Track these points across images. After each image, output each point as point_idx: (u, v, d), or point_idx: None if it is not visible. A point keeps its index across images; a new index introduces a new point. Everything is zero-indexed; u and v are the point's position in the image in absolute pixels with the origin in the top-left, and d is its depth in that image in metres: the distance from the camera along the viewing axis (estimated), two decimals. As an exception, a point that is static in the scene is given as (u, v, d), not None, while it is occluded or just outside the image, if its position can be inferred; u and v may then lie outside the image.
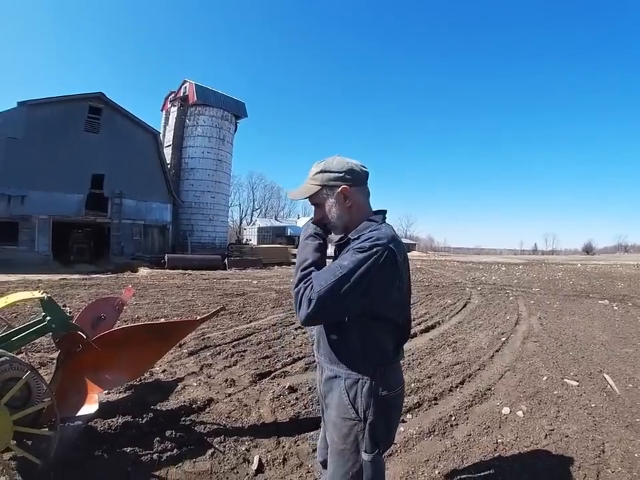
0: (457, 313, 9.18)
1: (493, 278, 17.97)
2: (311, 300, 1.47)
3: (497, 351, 6.01)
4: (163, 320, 7.43)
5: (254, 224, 61.51)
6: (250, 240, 44.55)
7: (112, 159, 21.51)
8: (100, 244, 22.13)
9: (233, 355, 5.57)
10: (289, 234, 51.04)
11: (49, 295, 3.28)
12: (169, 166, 26.21)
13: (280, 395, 4.19)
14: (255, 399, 4.20)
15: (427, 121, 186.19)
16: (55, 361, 3.59)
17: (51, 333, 3.43)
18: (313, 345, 1.99)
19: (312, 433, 3.41)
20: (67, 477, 2.77)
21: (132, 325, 5.04)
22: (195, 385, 4.54)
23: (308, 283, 1.53)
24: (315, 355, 1.90)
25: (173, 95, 30.01)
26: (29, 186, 18.84)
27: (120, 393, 4.19)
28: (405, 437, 3.44)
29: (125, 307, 4.97)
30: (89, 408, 3.26)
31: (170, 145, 28.02)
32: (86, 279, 14.02)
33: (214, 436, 3.40)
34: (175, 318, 7.74)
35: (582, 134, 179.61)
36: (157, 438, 3.26)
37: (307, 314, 1.49)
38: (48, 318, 3.22)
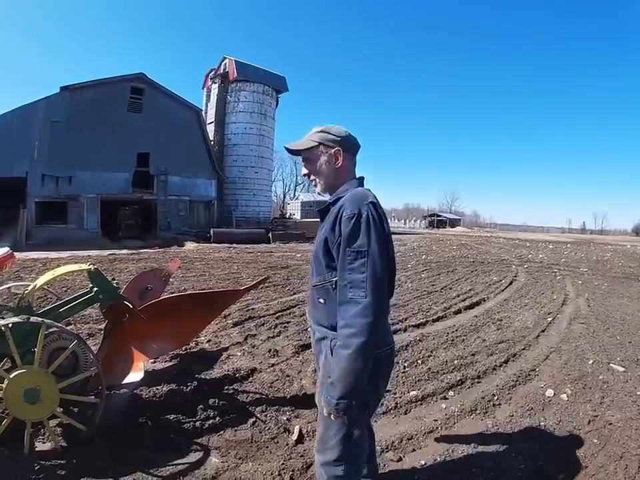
0: (503, 291, 8.92)
1: (540, 256, 17.21)
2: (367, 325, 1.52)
3: (543, 331, 5.82)
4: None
5: (297, 198, 61.69)
6: (293, 214, 44.75)
7: (156, 137, 21.91)
8: (147, 220, 22.76)
9: (277, 326, 5.62)
10: None
11: (95, 267, 3.35)
12: (212, 142, 26.42)
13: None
14: (297, 369, 4.21)
15: (470, 96, 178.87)
16: (102, 332, 3.68)
17: (98, 304, 3.53)
18: None
19: None
20: (110, 443, 2.84)
21: (178, 294, 5.14)
22: (239, 354, 4.60)
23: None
24: (307, 318, 2.02)
25: (213, 72, 29.97)
26: (75, 167, 19.40)
27: (165, 361, 4.29)
28: (446, 414, 3.37)
29: (171, 279, 5.07)
30: (135, 376, 3.34)
31: (212, 122, 28.15)
32: (134, 253, 14.46)
33: (256, 405, 3.42)
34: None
35: (637, 110, 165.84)
36: (200, 406, 3.31)
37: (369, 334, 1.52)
38: (95, 289, 3.30)
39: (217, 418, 3.18)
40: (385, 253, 1.61)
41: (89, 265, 3.36)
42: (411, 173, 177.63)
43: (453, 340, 5.24)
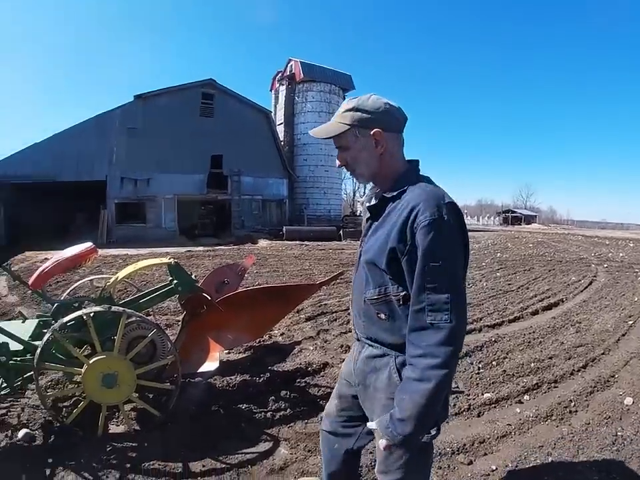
0: (582, 291, 8.32)
1: (620, 255, 15.71)
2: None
3: (624, 335, 5.40)
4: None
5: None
6: (364, 211, 44.40)
7: (228, 139, 22.63)
8: (222, 219, 23.67)
9: (349, 322, 5.51)
10: None
11: (175, 260, 3.47)
12: (282, 143, 26.94)
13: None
14: None
15: (547, 88, 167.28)
16: (180, 323, 3.90)
17: (177, 296, 3.65)
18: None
19: None
20: (183, 429, 2.94)
21: (254, 287, 5.34)
22: (312, 348, 4.63)
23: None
24: (355, 331, 1.68)
25: (280, 74, 30.49)
26: (152, 169, 20.26)
27: (240, 353, 4.41)
28: (520, 419, 3.23)
29: (246, 275, 5.28)
30: (210, 365, 3.46)
31: (282, 123, 28.68)
32: (210, 250, 15.03)
33: (326, 399, 3.35)
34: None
35: None
36: (272, 397, 3.35)
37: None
38: (175, 282, 3.42)
39: (288, 410, 3.21)
40: (466, 265, 1.41)
41: (168, 259, 3.50)
42: (484, 168, 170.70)
43: (529, 342, 4.99)
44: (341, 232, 22.26)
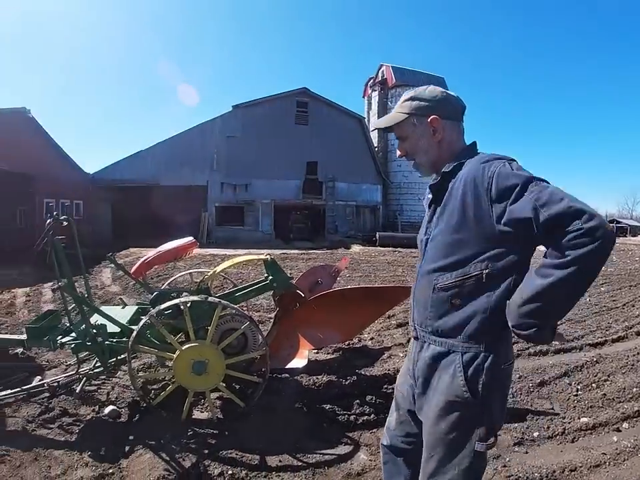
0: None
1: None
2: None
3: None
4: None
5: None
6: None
7: (323, 146, 23.07)
8: (316, 223, 24.09)
9: None
10: None
11: (272, 257, 3.55)
12: (376, 149, 26.87)
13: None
14: None
15: None
16: (272, 319, 3.94)
17: (271, 292, 3.75)
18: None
19: (516, 424, 3.05)
20: (265, 423, 2.94)
21: (349, 287, 5.27)
22: (401, 355, 4.46)
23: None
24: (414, 326, 1.53)
25: (371, 80, 30.30)
26: (251, 175, 21.60)
27: (328, 353, 4.38)
28: (616, 449, 2.83)
29: (338, 278, 5.25)
30: (298, 362, 3.43)
31: (375, 129, 28.54)
32: (304, 253, 15.33)
33: None
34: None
35: None
36: (357, 401, 3.26)
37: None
38: (270, 277, 3.50)
39: (372, 415, 3.10)
40: None
41: (265, 255, 3.60)
42: (586, 174, 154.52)
43: (633, 364, 4.36)
44: (435, 239, 21.43)
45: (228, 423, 2.97)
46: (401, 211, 27.35)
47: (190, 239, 3.98)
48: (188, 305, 2.91)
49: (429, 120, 1.44)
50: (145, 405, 3.05)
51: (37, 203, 15.46)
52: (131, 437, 2.81)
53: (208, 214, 21.07)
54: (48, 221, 2.97)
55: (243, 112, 21.92)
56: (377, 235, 21.07)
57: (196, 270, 5.13)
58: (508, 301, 1.28)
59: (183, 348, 2.84)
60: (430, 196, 1.52)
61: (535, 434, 2.95)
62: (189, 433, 2.84)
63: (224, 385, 3.03)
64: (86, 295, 3.38)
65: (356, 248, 18.87)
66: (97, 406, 3.19)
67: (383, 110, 28.39)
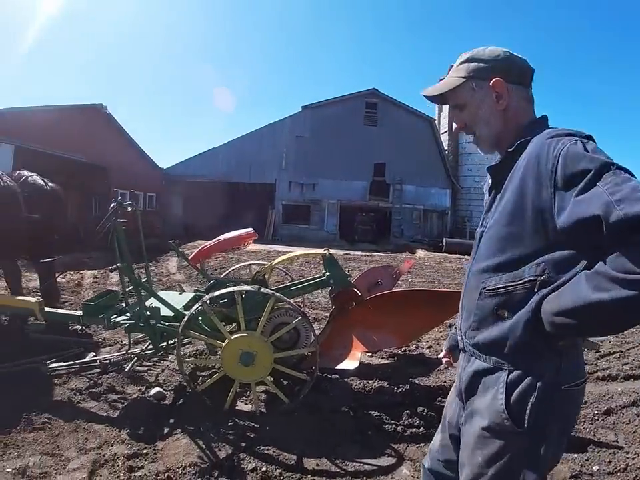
0: None
1: None
2: None
3: None
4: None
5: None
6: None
7: (391, 148, 22.71)
8: (381, 226, 23.63)
9: None
10: None
11: (330, 252, 3.48)
12: (446, 152, 25.95)
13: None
14: None
15: None
16: (328, 318, 3.84)
17: (328, 290, 3.67)
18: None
19: (575, 455, 2.71)
20: (307, 423, 2.85)
21: (411, 288, 5.05)
22: None
23: None
24: (460, 335, 1.29)
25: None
26: (318, 175, 21.95)
27: (382, 357, 4.21)
28: None
29: (399, 282, 5.07)
30: (350, 364, 3.30)
31: (445, 132, 27.49)
32: (367, 255, 15.17)
33: None
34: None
35: None
36: (407, 411, 3.07)
37: None
38: (327, 274, 3.44)
39: (421, 428, 2.89)
40: None
41: (324, 250, 3.53)
42: None
43: None
44: (506, 248, 20.37)
45: (270, 418, 2.92)
46: (470, 217, 26.23)
47: (250, 229, 3.98)
48: (241, 294, 2.90)
49: (490, 83, 1.19)
50: (190, 390, 3.07)
51: (111, 194, 16.56)
52: (171, 420, 2.85)
53: (275, 211, 21.59)
54: (112, 204, 3.07)
55: (312, 112, 22.25)
56: (444, 241, 20.39)
57: (256, 262, 5.15)
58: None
59: (232, 337, 2.82)
60: (490, 180, 1.28)
61: (595, 468, 2.62)
62: (229, 424, 2.82)
63: (271, 378, 2.99)
64: (145, 279, 3.47)
65: (421, 253, 18.42)
66: (144, 386, 3.28)
67: (454, 112, 27.53)
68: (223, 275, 4.76)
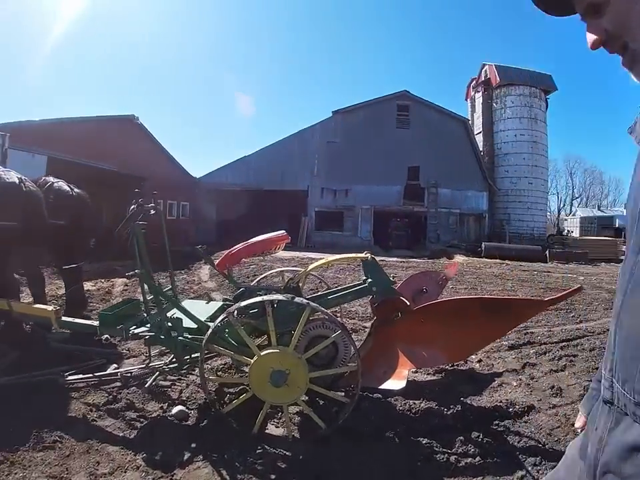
0: None
1: None
2: None
3: None
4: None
5: (574, 214, 53.93)
6: (572, 231, 39.30)
7: (425, 150, 22.33)
8: (417, 231, 23.21)
9: (561, 357, 4.60)
10: (617, 225, 43.29)
11: (372, 256, 3.16)
12: (481, 153, 25.30)
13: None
14: None
15: None
16: (368, 329, 3.50)
17: (369, 298, 3.33)
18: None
19: None
20: (345, 449, 2.53)
21: (466, 296, 4.65)
22: (515, 384, 3.82)
23: None
24: (609, 381, 0.81)
25: (474, 81, 28.93)
26: (350, 180, 21.60)
27: (428, 374, 3.86)
28: None
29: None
30: (395, 384, 2.93)
31: (480, 132, 26.96)
32: (403, 261, 14.76)
33: (528, 454, 2.63)
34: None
35: None
36: (460, 437, 2.71)
37: None
38: (369, 280, 3.11)
39: (477, 458, 2.53)
40: None
41: (364, 254, 3.21)
42: None
43: None
44: (547, 252, 19.51)
45: (304, 444, 2.59)
46: (508, 220, 25.47)
47: (282, 232, 3.67)
48: (272, 304, 2.58)
49: None
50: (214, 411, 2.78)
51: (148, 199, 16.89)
52: (193, 445, 2.56)
53: (308, 218, 21.55)
54: (132, 206, 2.83)
55: (343, 117, 22.22)
56: (483, 245, 19.73)
57: (289, 268, 4.84)
58: None
59: (262, 353, 2.51)
60: None
61: None
62: (257, 450, 2.51)
63: (305, 397, 2.69)
64: (168, 288, 3.22)
65: (459, 258, 17.83)
66: (166, 403, 3.02)
67: (488, 111, 27.04)
68: (254, 282, 4.46)
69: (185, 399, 3.11)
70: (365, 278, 3.18)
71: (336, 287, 3.64)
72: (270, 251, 3.61)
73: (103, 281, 7.76)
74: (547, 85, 27.03)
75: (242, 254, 3.31)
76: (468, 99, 30.07)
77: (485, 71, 27.85)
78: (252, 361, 2.52)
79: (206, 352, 2.68)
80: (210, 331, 2.55)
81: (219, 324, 2.57)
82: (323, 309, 2.67)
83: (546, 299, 2.82)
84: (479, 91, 27.67)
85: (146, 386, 3.06)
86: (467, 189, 23.71)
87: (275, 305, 2.69)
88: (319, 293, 3.49)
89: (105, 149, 13.47)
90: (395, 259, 15.90)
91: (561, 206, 63.46)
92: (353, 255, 3.40)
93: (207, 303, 3.63)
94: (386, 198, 22.17)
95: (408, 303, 3.03)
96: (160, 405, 3.00)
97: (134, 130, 16.11)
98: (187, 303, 3.24)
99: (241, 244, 3.35)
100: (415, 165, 22.38)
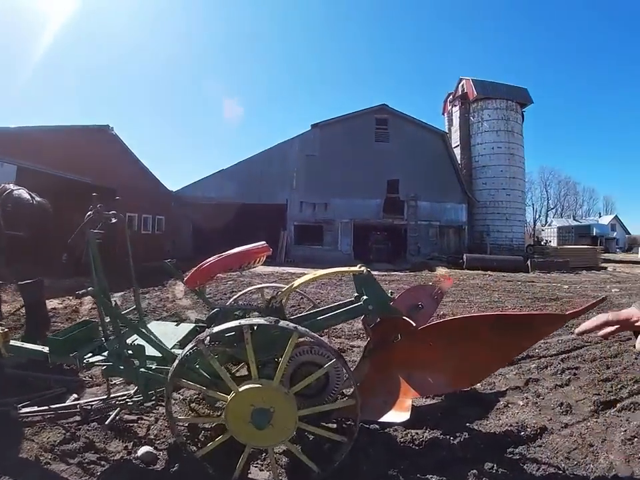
0: None
1: None
2: None
3: None
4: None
5: (550, 224, 55.52)
6: (549, 241, 40.17)
7: (404, 163, 22.41)
8: (397, 244, 23.09)
9: (564, 371, 4.39)
10: (594, 234, 44.85)
11: (368, 270, 2.78)
12: (459, 166, 25.61)
13: (634, 437, 2.92)
14: (601, 437, 2.96)
15: None
16: (362, 351, 3.13)
17: (363, 316, 2.92)
18: None
19: None
20: None
21: (473, 314, 4.30)
22: (521, 404, 3.53)
23: None
24: None
25: (451, 95, 29.49)
26: (330, 194, 21.52)
27: (427, 398, 3.50)
28: None
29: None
30: (398, 416, 2.51)
31: (457, 146, 27.38)
32: (385, 275, 14.51)
33: None
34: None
35: None
36: (473, 470, 2.38)
37: None
38: (364, 298, 2.70)
39: None
40: None
41: (359, 267, 2.82)
42: None
43: None
44: (528, 262, 19.55)
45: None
46: (487, 232, 25.68)
47: (262, 243, 3.28)
48: (252, 328, 2.18)
49: None
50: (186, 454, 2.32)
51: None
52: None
53: (287, 232, 21.24)
54: (88, 213, 2.42)
55: (322, 130, 22.15)
56: (464, 257, 19.69)
57: (269, 284, 4.42)
58: None
59: (240, 389, 2.08)
60: None
61: None
62: (240, 500, 2.08)
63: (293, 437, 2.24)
64: (133, 307, 2.79)
65: (441, 270, 17.76)
66: (131, 442, 2.58)
67: (465, 125, 27.51)
68: (230, 300, 4.02)
69: (152, 437, 2.67)
70: (357, 295, 2.80)
71: (319, 303, 3.22)
72: (249, 265, 3.17)
73: (70, 298, 7.19)
74: (523, 98, 27.76)
75: (215, 269, 2.89)
76: (445, 114, 30.52)
77: (462, 85, 28.37)
78: (228, 397, 2.10)
79: (171, 387, 2.22)
80: (176, 362, 2.12)
81: (187, 354, 2.14)
82: (314, 333, 2.23)
83: (567, 313, 2.46)
84: (456, 105, 28.11)
85: (107, 422, 2.63)
86: (446, 202, 23.87)
87: (254, 330, 2.28)
88: (305, 313, 3.08)
89: (78, 160, 12.93)
90: (376, 272, 15.33)
91: (537, 217, 64.95)
92: (345, 268, 3.00)
93: (177, 324, 3.16)
94: (365, 211, 22.09)
95: (414, 324, 2.64)
96: (124, 445, 2.57)
97: (108, 141, 15.57)
98: (153, 325, 2.80)
99: (214, 257, 2.93)
100: (394, 178, 22.40)
